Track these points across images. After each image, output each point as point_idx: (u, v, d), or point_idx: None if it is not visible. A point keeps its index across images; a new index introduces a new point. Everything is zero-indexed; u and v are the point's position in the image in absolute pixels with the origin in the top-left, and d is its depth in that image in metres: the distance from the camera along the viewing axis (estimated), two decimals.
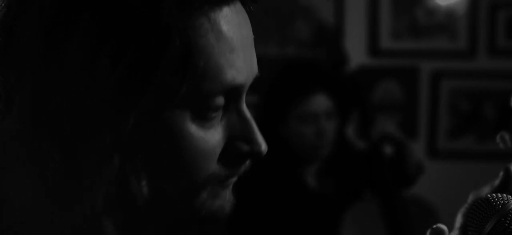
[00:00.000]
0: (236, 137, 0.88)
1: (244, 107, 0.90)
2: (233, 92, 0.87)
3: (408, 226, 2.63)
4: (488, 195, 0.94)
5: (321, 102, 2.54)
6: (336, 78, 2.73)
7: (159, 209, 0.86)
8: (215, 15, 0.84)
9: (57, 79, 0.81)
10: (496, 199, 0.93)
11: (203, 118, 0.85)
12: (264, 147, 0.89)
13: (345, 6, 3.76)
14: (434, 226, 0.97)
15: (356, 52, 3.51)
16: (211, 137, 0.86)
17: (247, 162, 0.91)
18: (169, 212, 0.87)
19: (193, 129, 0.84)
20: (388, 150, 2.73)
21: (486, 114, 3.80)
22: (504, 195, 0.94)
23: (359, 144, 2.86)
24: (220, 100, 0.85)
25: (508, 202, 0.92)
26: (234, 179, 0.91)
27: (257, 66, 0.90)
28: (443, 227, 0.97)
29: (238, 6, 0.87)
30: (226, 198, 0.90)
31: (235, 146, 0.88)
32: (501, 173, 1.07)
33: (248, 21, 0.89)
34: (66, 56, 0.80)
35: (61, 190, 0.82)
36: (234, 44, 0.85)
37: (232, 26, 0.85)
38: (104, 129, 0.80)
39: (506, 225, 0.91)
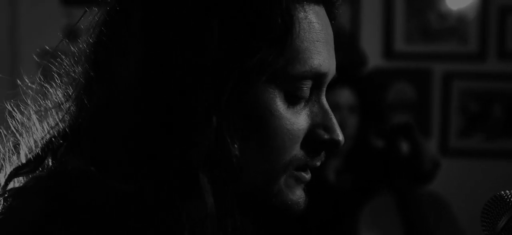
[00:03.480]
0: (318, 125, 0.93)
1: (325, 99, 0.95)
2: (317, 80, 0.92)
3: (423, 221, 2.62)
4: (502, 192, 0.92)
5: (344, 95, 2.56)
6: (360, 77, 2.75)
7: (246, 178, 0.89)
8: (308, 7, 0.91)
9: (168, 40, 0.87)
10: (510, 196, 0.91)
11: (292, 100, 0.90)
12: (342, 137, 0.94)
13: (361, 12, 3.78)
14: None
15: (371, 54, 3.50)
16: (298, 120, 0.91)
17: (323, 155, 0.95)
18: (252, 186, 0.91)
19: (283, 108, 0.90)
20: (404, 147, 2.72)
21: (495, 115, 3.81)
22: None
23: (376, 142, 2.87)
24: (308, 84, 0.91)
25: None
26: (308, 177, 0.95)
27: (335, 66, 0.95)
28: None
29: (323, 9, 0.94)
30: (301, 195, 0.95)
31: (316, 133, 0.93)
32: None
33: (331, 28, 0.95)
34: (179, 19, 0.87)
35: (161, 144, 0.86)
36: (321, 36, 0.92)
37: (320, 21, 0.92)
38: (206, 90, 0.85)
39: None
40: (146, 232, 0.84)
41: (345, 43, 3.36)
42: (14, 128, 1.00)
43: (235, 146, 0.87)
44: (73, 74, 0.99)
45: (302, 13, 0.91)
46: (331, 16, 0.96)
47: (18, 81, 1.06)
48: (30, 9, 3.80)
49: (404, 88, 3.79)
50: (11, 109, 1.03)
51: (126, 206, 0.84)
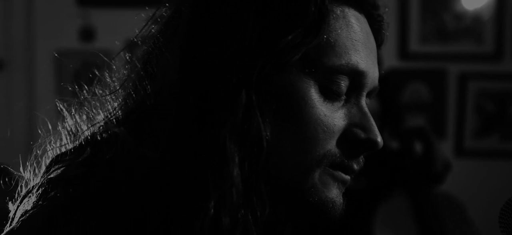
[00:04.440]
0: (356, 124, 0.93)
1: (364, 102, 0.95)
2: (355, 79, 0.92)
3: (438, 222, 2.63)
4: None
5: None
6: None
7: (277, 165, 0.89)
8: (348, 10, 0.93)
9: (208, 21, 0.90)
10: None
11: (327, 93, 0.91)
12: (380, 138, 0.93)
13: None
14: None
15: (386, 55, 3.51)
16: (333, 114, 0.91)
17: (361, 159, 0.94)
18: (285, 176, 0.90)
19: (317, 99, 0.90)
20: (418, 147, 2.73)
21: (511, 115, 3.80)
22: None
23: (391, 143, 2.87)
24: (344, 80, 0.91)
25: None
26: (347, 178, 0.94)
27: (377, 76, 0.96)
28: None
29: (364, 18, 0.96)
30: (337, 194, 0.94)
31: (353, 132, 0.92)
32: None
33: (373, 38, 0.96)
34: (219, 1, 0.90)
35: (194, 120, 0.87)
36: (360, 37, 0.93)
37: (360, 25, 0.93)
38: (238, 66, 0.87)
39: None
40: (172, 200, 0.85)
41: None
42: (63, 116, 1.04)
43: (266, 126, 0.87)
44: (124, 71, 1.01)
45: (339, 11, 0.92)
46: (374, 28, 0.97)
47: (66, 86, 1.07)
48: (46, 10, 3.81)
49: (419, 89, 3.78)
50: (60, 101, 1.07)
51: (155, 178, 0.86)
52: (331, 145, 0.91)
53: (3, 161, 4.18)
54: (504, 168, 3.76)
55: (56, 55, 3.65)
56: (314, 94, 0.90)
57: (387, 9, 1.02)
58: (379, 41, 0.99)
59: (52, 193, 0.89)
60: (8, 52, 3.83)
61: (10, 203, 0.99)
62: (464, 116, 3.81)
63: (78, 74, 3.82)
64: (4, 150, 3.81)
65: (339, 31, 0.91)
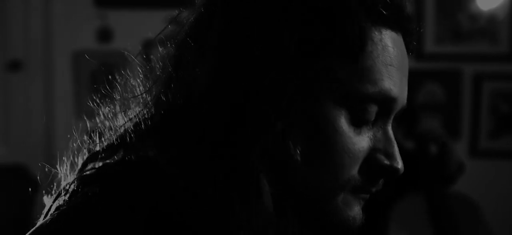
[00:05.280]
0: (379, 150, 0.92)
1: (390, 127, 0.93)
2: (385, 105, 0.91)
3: (452, 221, 2.63)
4: None
5: None
6: None
7: (304, 189, 0.90)
8: (385, 31, 0.90)
9: (242, 43, 0.88)
10: None
11: (356, 120, 0.89)
12: (401, 165, 0.93)
13: None
14: None
15: None
16: (360, 141, 0.90)
17: (381, 183, 0.94)
18: (309, 200, 0.91)
19: (346, 127, 0.89)
20: (433, 149, 2.72)
21: None
22: None
23: (406, 144, 2.87)
24: (374, 108, 0.90)
25: None
26: (366, 196, 0.94)
27: (406, 96, 0.95)
28: None
29: (401, 37, 0.93)
30: (358, 212, 0.94)
31: (376, 158, 0.91)
32: None
33: (407, 58, 0.95)
34: (254, 22, 0.88)
35: (225, 143, 0.87)
36: (395, 61, 0.91)
37: (396, 48, 0.91)
38: (272, 91, 0.86)
39: None
40: (197, 220, 0.85)
41: None
42: (98, 114, 1.04)
43: (298, 152, 0.87)
44: (156, 71, 1.00)
45: (377, 35, 0.90)
46: (409, 47, 0.95)
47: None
48: (64, 11, 3.82)
49: (434, 89, 3.77)
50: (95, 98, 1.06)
51: (184, 202, 0.86)
52: (355, 170, 0.91)
53: (22, 160, 4.20)
54: None
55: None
56: (344, 123, 0.89)
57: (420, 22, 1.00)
58: (410, 51, 0.97)
59: (85, 191, 0.90)
60: (27, 53, 3.84)
61: (45, 196, 1.01)
62: (478, 116, 3.79)
63: (95, 75, 3.82)
64: (22, 149, 3.82)
65: (375, 56, 0.89)
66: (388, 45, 0.90)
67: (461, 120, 3.80)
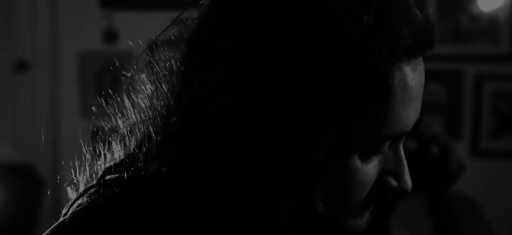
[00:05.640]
0: (389, 171, 0.90)
1: (401, 147, 0.91)
2: (399, 137, 0.89)
3: (453, 221, 2.63)
4: None
5: None
6: None
7: (315, 213, 0.89)
8: (406, 66, 0.86)
9: (265, 88, 0.83)
10: None
11: (370, 155, 0.88)
12: (409, 185, 0.91)
13: None
14: None
15: None
16: (370, 170, 0.88)
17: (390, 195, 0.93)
18: (320, 221, 0.90)
19: (358, 164, 0.87)
20: (435, 150, 2.72)
21: None
22: None
23: (408, 144, 2.87)
24: (387, 143, 0.88)
25: None
26: (375, 207, 0.94)
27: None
28: None
29: (420, 58, 0.89)
30: (366, 219, 0.94)
31: (385, 180, 0.90)
32: None
33: (424, 69, 0.91)
34: (278, 73, 0.83)
35: (242, 177, 0.86)
36: (413, 93, 0.87)
37: (416, 76, 0.87)
38: (300, 150, 0.84)
39: None
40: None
41: None
42: (114, 117, 1.03)
43: (317, 189, 0.87)
44: (169, 78, 0.96)
45: (398, 75, 0.85)
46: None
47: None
48: (70, 12, 3.83)
49: (436, 90, 3.77)
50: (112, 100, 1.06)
51: (186, 203, 0.87)
52: (365, 194, 0.89)
53: (28, 159, 4.22)
54: None
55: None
56: (358, 162, 0.87)
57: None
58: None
59: (104, 192, 0.93)
60: (33, 54, 3.86)
61: (69, 190, 1.03)
62: (480, 117, 3.79)
63: (100, 75, 3.84)
64: (29, 148, 3.84)
65: (395, 99, 0.85)
66: (408, 80, 0.85)
67: (462, 120, 3.80)
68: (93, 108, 1.07)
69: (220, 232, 0.88)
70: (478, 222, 2.73)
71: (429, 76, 3.38)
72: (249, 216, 0.87)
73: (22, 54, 3.85)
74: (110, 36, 3.83)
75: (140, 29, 3.77)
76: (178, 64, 0.93)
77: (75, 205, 0.95)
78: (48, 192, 3.70)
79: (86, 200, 0.94)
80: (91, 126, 1.09)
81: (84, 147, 1.03)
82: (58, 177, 1.08)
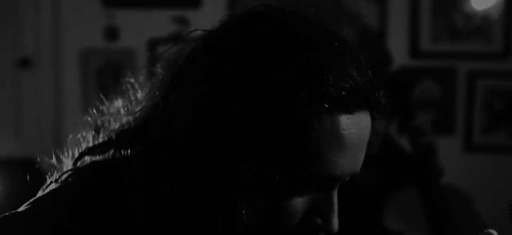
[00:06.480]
0: (317, 210, 0.93)
1: (334, 193, 0.94)
2: (328, 182, 0.92)
3: (446, 214, 2.63)
4: None
5: None
6: (387, 76, 2.73)
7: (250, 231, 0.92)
8: (341, 115, 0.90)
9: (217, 108, 0.90)
10: None
11: (300, 192, 0.92)
12: (335, 228, 0.94)
13: (388, 12, 3.77)
14: (485, 231, 0.98)
15: (398, 53, 3.50)
16: (297, 203, 0.92)
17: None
18: None
19: (288, 195, 0.91)
20: (422, 143, 2.72)
21: None
22: None
23: (400, 139, 2.87)
24: (315, 183, 0.91)
25: None
26: None
27: (360, 164, 0.94)
28: (494, 232, 0.97)
29: (362, 113, 0.92)
30: None
31: (312, 218, 0.94)
32: None
33: (370, 125, 0.93)
34: (228, 99, 0.90)
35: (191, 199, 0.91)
36: (345, 143, 0.90)
37: (352, 128, 0.90)
38: (234, 166, 0.89)
39: None
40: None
41: (373, 43, 3.35)
42: (101, 111, 1.09)
43: (245, 214, 0.90)
44: (159, 81, 1.04)
45: (329, 121, 0.89)
46: (374, 116, 0.94)
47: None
48: (73, 10, 3.84)
49: (430, 86, 3.78)
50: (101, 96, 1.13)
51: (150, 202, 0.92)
52: (291, 224, 0.93)
53: (31, 154, 4.22)
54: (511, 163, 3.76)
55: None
56: (288, 193, 0.91)
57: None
58: (379, 115, 0.96)
59: (73, 179, 0.99)
60: (36, 51, 3.87)
61: (48, 178, 1.08)
62: (472, 113, 3.81)
63: (102, 72, 3.85)
64: (32, 143, 3.85)
65: (322, 142, 0.89)
66: (340, 129, 0.89)
67: (455, 116, 3.81)
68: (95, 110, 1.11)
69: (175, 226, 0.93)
70: (470, 214, 2.74)
71: (424, 73, 3.39)
72: (200, 218, 0.92)
73: (26, 51, 3.86)
74: (112, 33, 3.84)
75: (141, 27, 3.80)
76: (163, 80, 1.00)
77: (47, 189, 1.01)
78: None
79: (57, 183, 1.00)
80: (87, 119, 1.12)
81: (79, 138, 1.09)
82: (55, 164, 1.10)
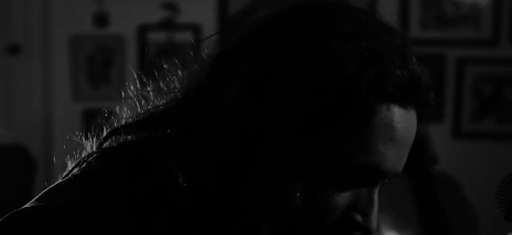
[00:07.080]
0: (358, 208, 0.91)
1: (376, 191, 0.92)
2: (374, 175, 0.90)
3: (436, 201, 2.64)
4: None
5: None
6: None
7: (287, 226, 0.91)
8: (394, 108, 0.88)
9: (257, 105, 0.88)
10: None
11: (343, 187, 0.90)
12: (374, 227, 0.92)
13: (378, 0, 3.78)
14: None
15: None
16: (340, 198, 0.90)
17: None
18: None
19: (331, 187, 0.90)
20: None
21: (507, 98, 3.80)
22: None
23: None
24: (363, 175, 0.89)
25: None
26: None
27: (402, 165, 0.93)
28: None
29: (412, 111, 0.91)
30: None
31: (353, 214, 0.91)
32: None
33: (416, 125, 0.93)
34: (271, 88, 0.88)
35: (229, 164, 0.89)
36: (397, 136, 0.89)
37: (402, 123, 0.89)
38: (280, 152, 0.87)
39: None
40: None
41: None
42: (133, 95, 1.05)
43: (296, 198, 0.89)
44: (191, 71, 1.01)
45: (384, 111, 0.88)
46: (422, 117, 0.94)
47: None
48: None
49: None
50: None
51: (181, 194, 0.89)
52: (330, 222, 0.91)
53: (21, 140, 4.21)
54: (500, 149, 3.77)
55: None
56: (332, 186, 0.90)
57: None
58: (425, 118, 0.95)
59: (96, 164, 0.94)
60: (26, 37, 3.84)
61: (69, 161, 1.02)
62: (462, 99, 3.82)
63: (92, 58, 3.83)
64: (22, 130, 3.83)
65: (376, 132, 0.88)
66: (393, 121, 0.89)
67: (444, 102, 3.82)
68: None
69: (205, 216, 0.90)
70: (459, 200, 2.75)
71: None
72: (232, 208, 0.90)
73: (16, 38, 3.84)
74: (102, 20, 3.81)
75: (130, 13, 3.78)
76: (209, 63, 0.97)
77: (74, 171, 0.95)
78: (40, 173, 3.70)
79: (82, 169, 0.94)
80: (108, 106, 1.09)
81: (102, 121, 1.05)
82: (54, 159, 1.07)
